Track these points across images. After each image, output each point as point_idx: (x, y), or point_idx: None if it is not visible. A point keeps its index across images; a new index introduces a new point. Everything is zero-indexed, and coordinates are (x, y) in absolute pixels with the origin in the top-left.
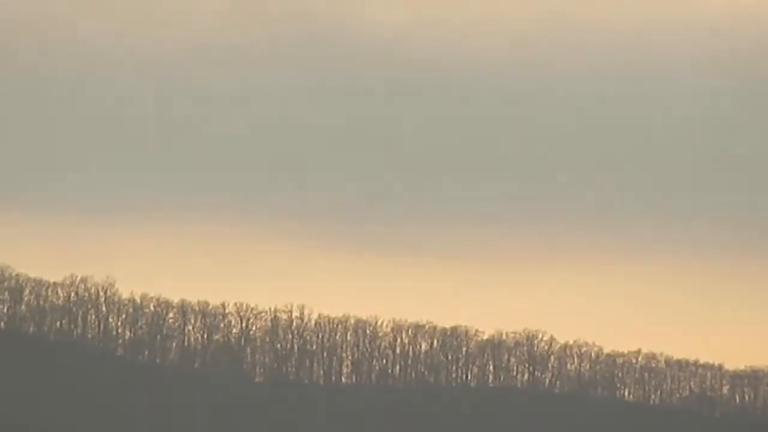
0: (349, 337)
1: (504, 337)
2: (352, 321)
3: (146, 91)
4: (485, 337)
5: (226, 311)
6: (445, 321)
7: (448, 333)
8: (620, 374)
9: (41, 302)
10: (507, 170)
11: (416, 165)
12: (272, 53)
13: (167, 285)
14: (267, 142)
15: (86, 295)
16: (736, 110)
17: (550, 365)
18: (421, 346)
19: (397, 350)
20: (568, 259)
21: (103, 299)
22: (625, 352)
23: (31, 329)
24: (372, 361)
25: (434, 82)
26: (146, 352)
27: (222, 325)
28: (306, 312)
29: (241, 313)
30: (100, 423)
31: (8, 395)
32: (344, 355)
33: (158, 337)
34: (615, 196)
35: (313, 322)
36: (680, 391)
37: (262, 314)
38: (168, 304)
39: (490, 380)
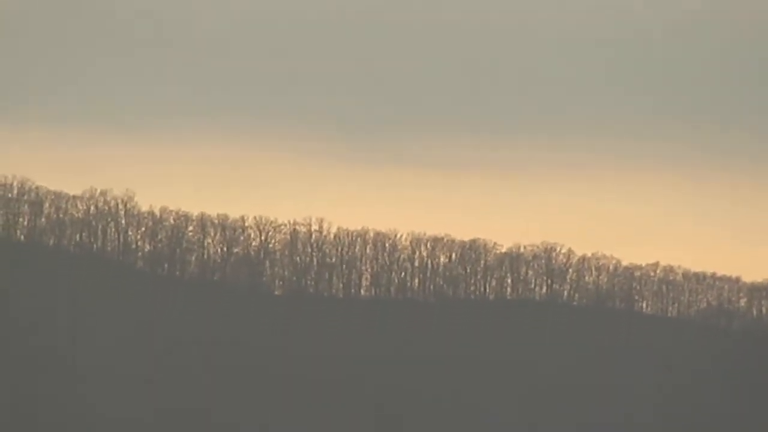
0: (368, 251)
1: (522, 250)
2: (371, 234)
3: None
4: (503, 250)
5: (246, 224)
6: (463, 234)
7: (467, 246)
8: (638, 287)
9: (61, 215)
10: (526, 81)
11: (436, 75)
12: None
13: (187, 198)
14: (291, 55)
15: (106, 208)
16: None
17: (568, 278)
18: (439, 259)
19: (416, 263)
20: (587, 171)
21: (122, 212)
22: (643, 265)
23: (51, 242)
24: (391, 274)
25: None
26: (166, 265)
27: (241, 238)
28: (325, 225)
29: (261, 227)
30: (120, 335)
31: (28, 308)
32: (363, 268)
33: (178, 250)
34: (636, 103)
35: (332, 236)
36: (698, 304)
37: (282, 227)
38: (187, 218)
39: (508, 293)
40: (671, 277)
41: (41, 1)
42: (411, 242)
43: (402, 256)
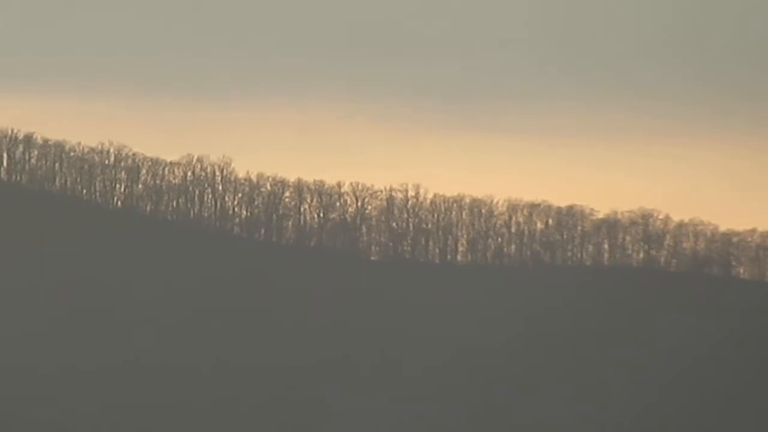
0: (464, 217)
1: (619, 216)
2: (468, 200)
3: None
4: (600, 216)
5: (342, 190)
6: (560, 200)
7: (564, 212)
8: (735, 252)
9: (158, 181)
10: (619, 48)
11: (533, 45)
12: None
13: (284, 164)
14: (388, 22)
15: (203, 174)
16: None
17: (665, 244)
18: (536, 225)
19: (513, 229)
20: (685, 137)
21: (219, 178)
22: (741, 230)
23: (148, 208)
24: (487, 240)
25: None
26: (262, 231)
27: (338, 204)
28: (421, 191)
29: (357, 193)
30: (216, 300)
31: (126, 276)
32: (459, 234)
33: (274, 216)
34: (735, 67)
35: (428, 202)
36: None
37: (378, 193)
38: (284, 183)
39: (605, 259)
40: None
41: None
42: (507, 208)
43: (498, 222)
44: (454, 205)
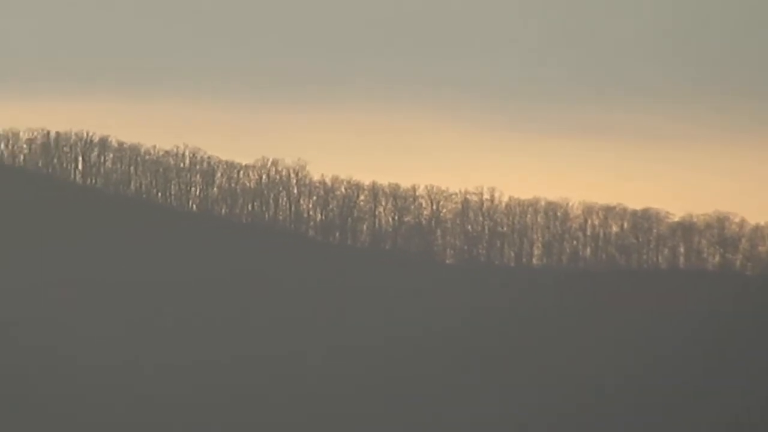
0: (539, 220)
1: (695, 219)
2: (543, 203)
3: None
4: (676, 219)
5: (417, 193)
6: (635, 203)
7: (639, 215)
8: None
9: (233, 185)
10: (697, 53)
11: (609, 48)
12: None
13: (358, 167)
14: (464, 23)
15: (278, 177)
16: None
17: (740, 247)
18: (611, 229)
19: (588, 232)
20: (760, 140)
21: (294, 182)
22: None
23: (223, 211)
24: (562, 243)
25: None
26: (337, 234)
27: (413, 207)
28: (496, 194)
29: (432, 196)
30: (292, 304)
31: (201, 277)
32: (534, 237)
33: (349, 219)
34: None
35: (503, 205)
36: None
37: (453, 196)
38: (359, 187)
39: (680, 262)
40: None
41: None
42: (583, 211)
43: (573, 225)
44: (529, 208)
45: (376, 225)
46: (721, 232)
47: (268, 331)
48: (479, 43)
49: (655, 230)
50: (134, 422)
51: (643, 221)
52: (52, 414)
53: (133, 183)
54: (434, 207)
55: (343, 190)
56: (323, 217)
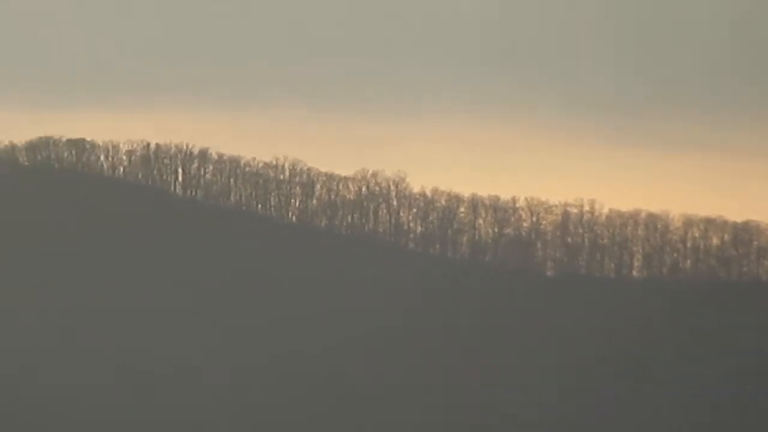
0: (639, 232)
1: None
2: (643, 215)
3: None
4: None
5: (517, 205)
6: (736, 215)
7: (740, 227)
8: None
9: (333, 197)
10: None
11: (715, 63)
12: None
13: (458, 179)
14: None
15: (378, 189)
16: None
17: None
18: (712, 241)
19: (688, 244)
20: None
21: (394, 193)
22: None
23: (323, 223)
24: (663, 255)
25: None
26: (437, 246)
27: (512, 219)
28: (597, 206)
29: (532, 208)
30: (392, 315)
31: (300, 289)
32: (635, 249)
33: (449, 231)
34: None
35: (603, 217)
36: None
37: (553, 208)
38: (459, 199)
39: None
40: None
41: None
42: (683, 223)
43: (674, 237)
44: (630, 220)
45: (476, 237)
46: None
47: (368, 340)
48: (582, 54)
49: (755, 242)
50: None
51: (744, 233)
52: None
53: (232, 195)
54: (534, 219)
55: (443, 202)
56: (423, 229)
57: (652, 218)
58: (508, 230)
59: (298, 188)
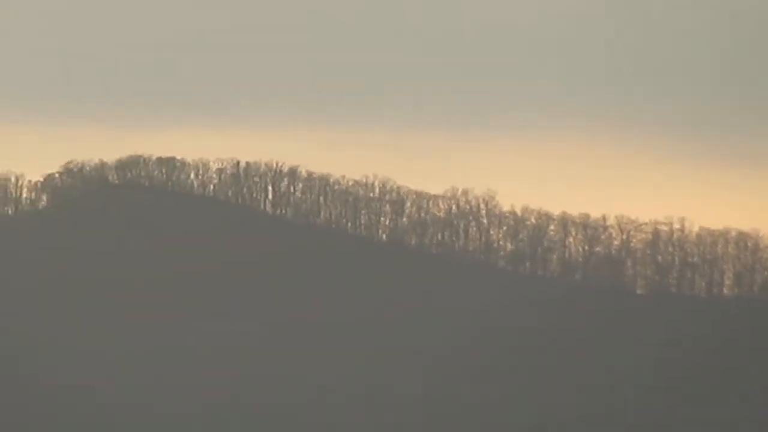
0: (730, 250)
1: None
2: (734, 234)
3: None
4: None
5: (607, 224)
6: None
7: None
8: None
9: (423, 215)
10: None
11: None
12: None
13: (548, 198)
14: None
15: (467, 207)
16: None
17: None
18: None
19: None
20: None
21: (484, 212)
22: None
23: (413, 241)
24: (754, 273)
25: None
26: (527, 264)
27: (603, 237)
28: (687, 224)
29: (622, 226)
30: (482, 332)
31: (393, 307)
32: (726, 267)
33: (539, 249)
34: None
35: (694, 235)
36: None
37: (643, 226)
38: (549, 217)
39: None
40: None
41: None
42: None
43: (765, 255)
44: (720, 238)
45: (567, 255)
46: None
47: (460, 358)
48: (673, 74)
49: None
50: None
51: None
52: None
53: (322, 213)
54: (624, 237)
55: (533, 220)
56: (513, 247)
57: (742, 236)
58: (599, 248)
59: (388, 206)
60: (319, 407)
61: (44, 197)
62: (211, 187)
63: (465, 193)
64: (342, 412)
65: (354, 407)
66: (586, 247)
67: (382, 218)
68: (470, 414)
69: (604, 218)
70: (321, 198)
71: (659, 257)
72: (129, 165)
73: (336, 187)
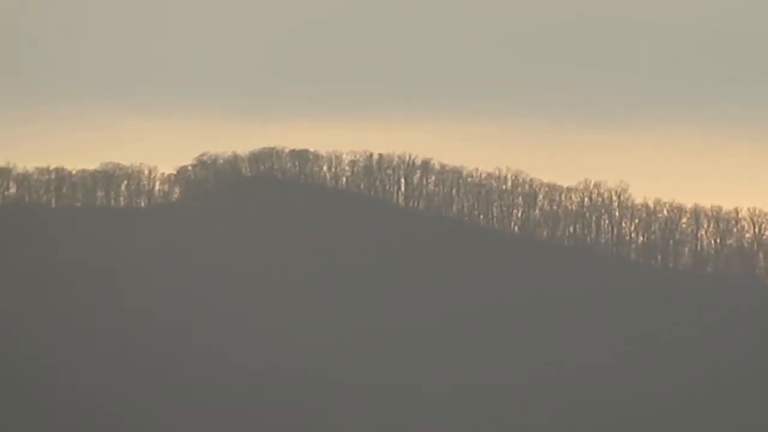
0: None
1: None
2: None
3: None
4: None
5: (740, 216)
6: None
7: None
8: None
9: (555, 207)
10: None
11: None
12: None
13: (680, 190)
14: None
15: (599, 200)
16: None
17: None
18: None
19: None
20: None
21: (616, 204)
22: None
23: (545, 234)
24: None
25: None
26: (659, 257)
27: (735, 229)
28: None
29: (755, 218)
30: (613, 324)
31: (515, 300)
32: None
33: (671, 241)
34: None
35: None
36: None
37: None
38: (681, 209)
39: None
40: None
41: None
42: None
43: None
44: None
45: (698, 248)
46: None
47: (592, 351)
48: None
49: None
50: None
51: None
52: None
53: (455, 205)
54: (757, 229)
55: (665, 212)
56: (645, 240)
57: None
58: (731, 241)
59: (520, 198)
60: (453, 400)
61: (177, 190)
62: (344, 179)
63: (597, 185)
64: (473, 406)
65: (485, 402)
66: (718, 240)
67: (514, 210)
68: (602, 407)
69: (736, 210)
70: (453, 190)
71: None
72: (262, 157)
73: (469, 179)
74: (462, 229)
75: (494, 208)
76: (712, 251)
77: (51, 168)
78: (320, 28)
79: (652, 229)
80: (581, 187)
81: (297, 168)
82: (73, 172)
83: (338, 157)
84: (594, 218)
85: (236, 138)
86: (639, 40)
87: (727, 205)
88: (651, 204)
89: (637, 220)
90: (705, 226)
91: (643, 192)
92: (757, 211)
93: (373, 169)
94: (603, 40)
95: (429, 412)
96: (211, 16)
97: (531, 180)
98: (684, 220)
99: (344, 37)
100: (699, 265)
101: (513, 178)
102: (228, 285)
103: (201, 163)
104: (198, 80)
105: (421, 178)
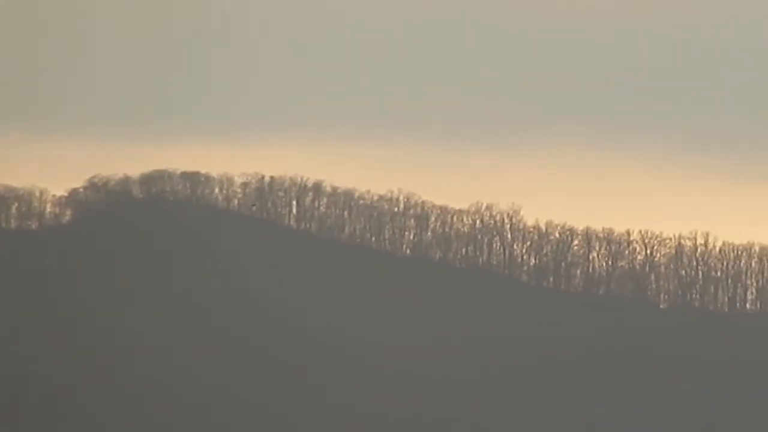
0: (753, 264)
1: None
2: (757, 248)
3: None
4: None
5: (631, 238)
6: None
7: None
8: None
9: (447, 229)
10: None
11: None
12: None
13: (571, 213)
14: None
15: (491, 222)
16: None
17: None
18: None
19: None
20: None
21: (508, 226)
22: None
23: (437, 256)
24: None
25: None
26: (551, 279)
27: (626, 252)
28: (710, 239)
29: (646, 240)
30: (506, 346)
31: (421, 325)
32: (749, 282)
33: (563, 264)
34: None
35: (717, 250)
36: None
37: (667, 241)
38: (573, 232)
39: None
40: None
41: None
42: None
43: None
44: (743, 253)
45: (590, 270)
46: None
47: (483, 371)
48: (697, 90)
49: None
50: None
51: None
52: None
53: (347, 227)
54: (648, 252)
55: (557, 234)
56: (536, 262)
57: (765, 251)
58: (622, 263)
59: (412, 221)
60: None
61: (68, 212)
62: (236, 201)
63: (489, 207)
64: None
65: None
66: (610, 262)
67: (406, 233)
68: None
69: (627, 233)
70: (345, 212)
71: (682, 272)
72: (154, 179)
73: (361, 201)
74: (354, 252)
75: (386, 230)
76: (604, 273)
77: None
78: (208, 48)
79: (544, 251)
80: (473, 209)
81: (189, 190)
82: None
83: (230, 179)
84: (486, 240)
85: (128, 160)
86: (525, 62)
87: (619, 228)
88: (543, 226)
89: (528, 243)
90: (596, 248)
91: (534, 214)
92: (648, 234)
93: (265, 191)
94: (487, 63)
95: None
96: (103, 36)
97: (423, 202)
98: (576, 242)
99: (233, 58)
100: (590, 286)
101: (405, 200)
102: (120, 307)
103: (92, 185)
104: (89, 102)
105: (312, 201)
